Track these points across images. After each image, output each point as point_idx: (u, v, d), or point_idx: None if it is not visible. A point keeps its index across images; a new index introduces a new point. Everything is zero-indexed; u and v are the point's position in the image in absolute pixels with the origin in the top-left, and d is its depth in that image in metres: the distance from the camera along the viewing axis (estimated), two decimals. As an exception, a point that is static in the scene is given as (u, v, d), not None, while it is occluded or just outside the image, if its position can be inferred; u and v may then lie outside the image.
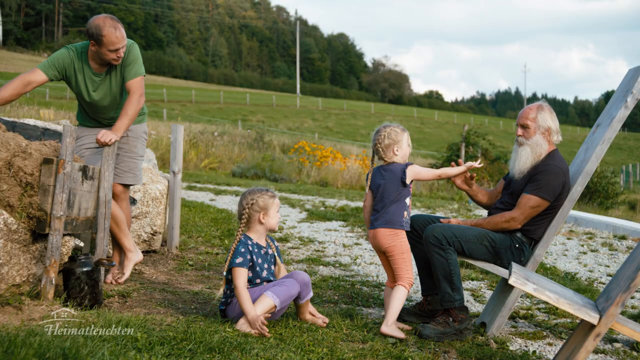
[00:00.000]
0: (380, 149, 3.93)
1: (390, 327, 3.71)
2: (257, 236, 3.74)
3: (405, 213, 3.89)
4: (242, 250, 3.64)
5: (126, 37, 4.23)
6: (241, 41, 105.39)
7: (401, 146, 3.93)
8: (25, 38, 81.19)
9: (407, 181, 3.86)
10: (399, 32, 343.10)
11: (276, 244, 3.90)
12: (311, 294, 3.76)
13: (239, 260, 3.60)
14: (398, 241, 3.85)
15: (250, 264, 3.65)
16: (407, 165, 3.89)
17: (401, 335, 3.67)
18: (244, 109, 54.61)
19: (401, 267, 3.85)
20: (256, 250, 3.70)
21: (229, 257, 3.65)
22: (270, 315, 3.58)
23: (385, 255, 3.92)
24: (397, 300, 3.80)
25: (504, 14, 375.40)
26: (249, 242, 3.69)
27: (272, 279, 3.74)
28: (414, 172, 3.89)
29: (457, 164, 4.13)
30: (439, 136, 52.41)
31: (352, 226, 8.40)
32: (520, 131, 4.09)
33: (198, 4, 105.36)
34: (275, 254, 3.82)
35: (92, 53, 4.27)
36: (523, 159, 4.04)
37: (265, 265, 3.72)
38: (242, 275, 3.58)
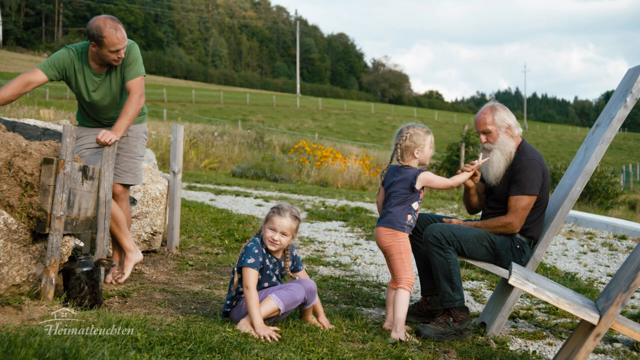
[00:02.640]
0: (400, 150, 3.89)
1: (400, 332, 3.69)
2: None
3: (409, 216, 3.85)
4: (256, 251, 3.58)
5: (127, 37, 4.23)
6: (241, 41, 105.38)
7: (423, 149, 3.87)
8: (25, 38, 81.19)
9: (417, 187, 3.82)
10: (399, 32, 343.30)
11: (295, 252, 3.81)
12: (316, 300, 3.75)
13: (251, 260, 3.54)
14: (396, 241, 3.82)
15: (261, 267, 3.61)
16: (420, 171, 3.84)
17: (408, 339, 3.67)
18: (244, 109, 54.61)
19: (399, 268, 3.82)
20: (269, 256, 3.66)
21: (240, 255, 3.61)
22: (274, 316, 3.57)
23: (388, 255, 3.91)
24: (402, 304, 3.76)
25: (504, 14, 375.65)
26: (264, 248, 3.64)
27: (279, 284, 3.72)
28: (425, 179, 3.84)
29: (462, 170, 4.10)
30: (439, 136, 52.36)
31: (352, 226, 8.40)
32: (483, 138, 4.08)
33: (198, 4, 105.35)
34: (289, 266, 3.75)
35: (93, 53, 4.27)
36: (496, 164, 4.02)
37: (276, 272, 3.70)
38: (253, 277, 3.51)
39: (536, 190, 3.94)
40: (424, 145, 3.88)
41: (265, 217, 3.67)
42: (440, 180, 3.91)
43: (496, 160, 4.02)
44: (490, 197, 4.17)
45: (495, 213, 4.10)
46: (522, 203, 3.93)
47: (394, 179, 3.88)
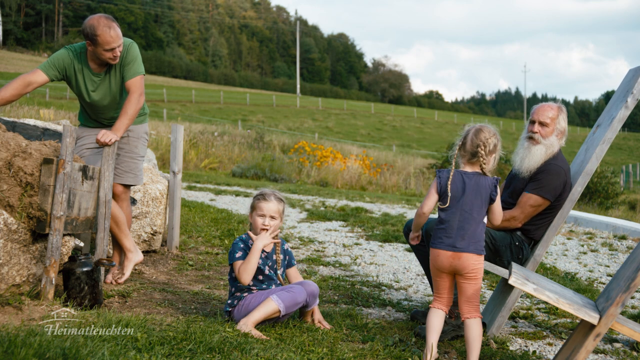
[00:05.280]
0: (484, 153, 3.30)
1: None
2: None
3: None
4: (242, 245, 3.68)
5: (122, 36, 4.22)
6: (241, 41, 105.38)
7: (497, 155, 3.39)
8: (25, 38, 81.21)
9: (496, 198, 3.30)
10: (399, 32, 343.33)
11: (286, 246, 3.86)
12: (317, 302, 3.77)
13: (239, 254, 3.64)
14: (480, 266, 3.31)
15: None
16: (496, 179, 3.33)
17: None
18: (244, 109, 54.60)
19: (477, 295, 3.32)
20: None
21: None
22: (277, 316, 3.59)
23: (450, 277, 3.35)
24: (481, 337, 3.29)
25: (504, 14, 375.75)
26: (250, 242, 3.69)
27: (274, 277, 3.74)
28: (498, 191, 3.33)
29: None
30: (439, 136, 52.40)
31: (352, 226, 8.40)
32: (537, 128, 4.04)
33: (198, 4, 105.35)
34: (280, 259, 3.78)
35: (91, 53, 4.27)
36: (535, 158, 4.01)
37: (267, 269, 3.71)
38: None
39: (551, 196, 3.94)
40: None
41: (250, 206, 3.76)
42: (500, 206, 3.36)
43: (538, 154, 4.01)
44: (508, 191, 4.18)
45: (505, 208, 4.10)
46: (532, 202, 3.94)
47: (467, 189, 3.30)
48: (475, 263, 3.27)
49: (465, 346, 3.29)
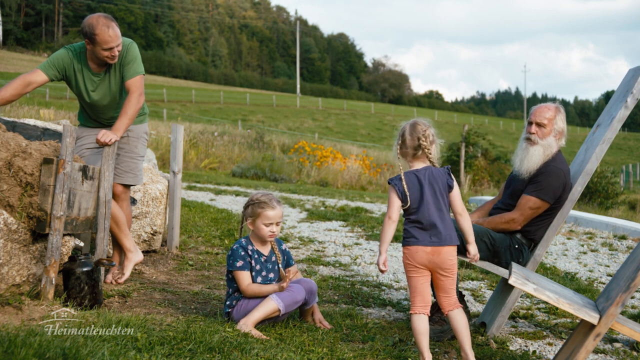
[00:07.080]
0: (427, 144, 3.29)
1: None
2: (258, 243, 3.74)
3: None
4: (242, 253, 3.65)
5: (121, 36, 4.22)
6: (241, 41, 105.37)
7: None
8: (25, 38, 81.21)
9: (453, 184, 3.30)
10: (399, 32, 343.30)
11: (284, 246, 3.86)
12: (316, 300, 3.77)
13: (240, 263, 3.62)
14: (456, 260, 3.31)
15: (250, 267, 3.67)
16: (447, 167, 3.34)
17: None
18: (244, 109, 54.58)
19: (454, 286, 3.30)
20: (256, 256, 3.70)
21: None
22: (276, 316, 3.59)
23: (427, 274, 3.28)
24: (467, 325, 3.28)
25: (504, 14, 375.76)
26: (250, 247, 3.69)
27: (272, 282, 3.74)
28: (453, 177, 3.33)
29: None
30: (439, 136, 52.35)
31: (352, 226, 8.40)
32: (534, 129, 4.04)
33: (198, 4, 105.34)
34: (279, 264, 3.77)
35: (90, 53, 4.27)
36: (534, 159, 4.01)
37: (263, 273, 3.71)
38: (245, 278, 3.61)
39: (550, 198, 3.93)
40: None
41: (249, 214, 3.70)
42: (458, 194, 3.36)
43: (536, 155, 4.01)
44: (507, 193, 4.18)
45: (505, 209, 4.10)
46: (531, 204, 3.93)
47: (425, 186, 3.27)
48: (452, 258, 3.25)
49: (456, 337, 3.27)
